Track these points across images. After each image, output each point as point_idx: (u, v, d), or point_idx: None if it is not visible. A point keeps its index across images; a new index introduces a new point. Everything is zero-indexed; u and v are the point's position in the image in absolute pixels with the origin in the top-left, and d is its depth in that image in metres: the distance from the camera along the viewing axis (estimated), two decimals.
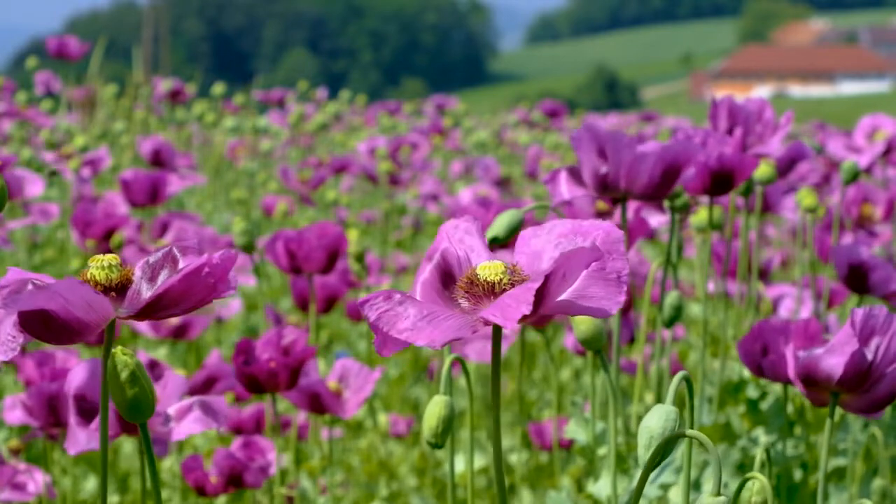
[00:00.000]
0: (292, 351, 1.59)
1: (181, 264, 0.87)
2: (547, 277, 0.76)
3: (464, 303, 0.80)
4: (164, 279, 0.86)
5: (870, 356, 1.10)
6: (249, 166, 4.59)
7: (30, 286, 0.84)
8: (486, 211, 2.34)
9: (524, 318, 0.76)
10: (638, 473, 1.45)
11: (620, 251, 0.79)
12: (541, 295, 0.76)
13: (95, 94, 5.29)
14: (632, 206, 1.63)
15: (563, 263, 0.76)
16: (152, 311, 0.85)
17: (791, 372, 1.17)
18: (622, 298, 0.78)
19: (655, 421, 0.85)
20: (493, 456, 0.81)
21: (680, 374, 0.90)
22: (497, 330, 0.80)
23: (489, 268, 0.79)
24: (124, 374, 0.85)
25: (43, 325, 0.82)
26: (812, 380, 1.13)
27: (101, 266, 0.85)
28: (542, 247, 0.82)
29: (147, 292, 0.86)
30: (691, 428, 1.02)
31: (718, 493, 0.84)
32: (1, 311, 0.82)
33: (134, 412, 0.86)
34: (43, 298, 0.80)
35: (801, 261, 2.10)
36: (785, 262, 3.34)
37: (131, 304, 0.86)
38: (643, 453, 0.84)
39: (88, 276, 0.85)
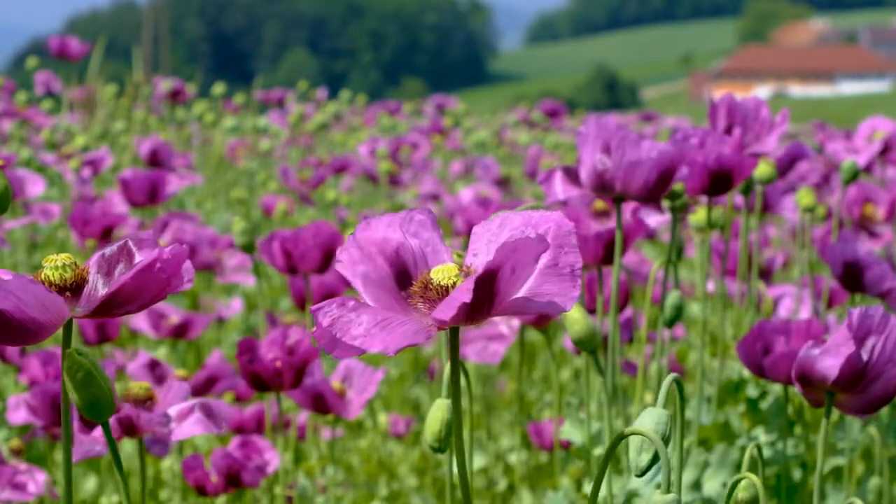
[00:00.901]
0: (297, 350, 1.59)
1: (137, 258, 0.86)
2: (494, 272, 0.74)
3: (420, 306, 0.79)
4: (119, 274, 0.85)
5: (865, 356, 1.10)
6: (249, 166, 4.59)
7: None
8: (486, 210, 2.34)
9: (473, 315, 0.75)
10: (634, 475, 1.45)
11: (572, 244, 0.77)
12: (490, 291, 0.75)
13: (95, 94, 5.29)
14: (629, 206, 1.63)
15: (508, 256, 0.74)
16: (108, 308, 0.84)
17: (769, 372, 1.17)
18: (576, 293, 0.76)
19: (647, 423, 0.84)
20: (458, 463, 0.81)
21: (671, 377, 0.89)
22: (453, 332, 0.79)
23: (443, 271, 0.78)
24: (80, 375, 0.84)
25: None
26: (808, 380, 1.13)
27: (54, 266, 0.85)
28: (493, 242, 0.80)
29: (102, 290, 0.85)
30: (683, 430, 1.02)
31: (668, 491, 0.84)
32: None
33: (93, 412, 0.85)
34: None
35: (800, 261, 2.10)
36: (785, 262, 3.34)
37: (87, 303, 0.85)
38: (635, 457, 0.84)
39: (42, 276, 0.85)
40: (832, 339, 1.10)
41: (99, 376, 0.85)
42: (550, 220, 0.78)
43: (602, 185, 1.29)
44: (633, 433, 0.83)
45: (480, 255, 0.80)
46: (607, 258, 1.53)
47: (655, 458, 0.84)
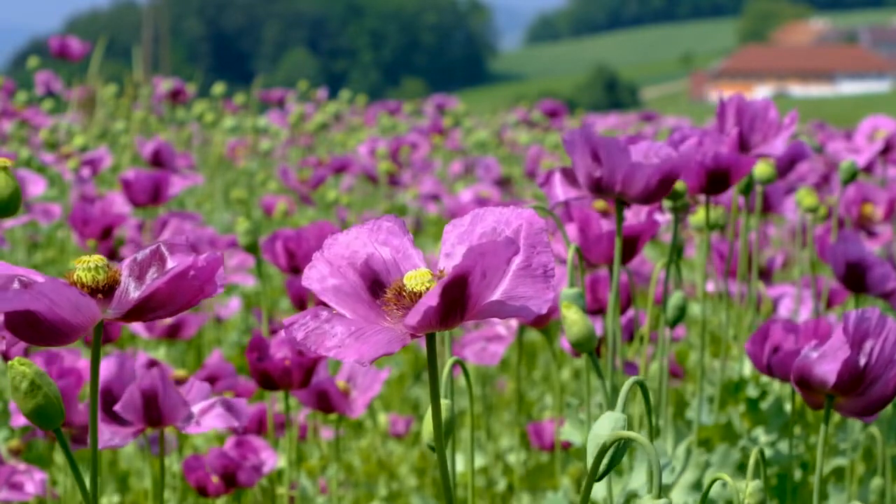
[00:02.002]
0: (306, 351, 1.59)
1: (169, 263, 0.86)
2: (464, 277, 0.72)
3: (394, 313, 0.77)
4: (151, 279, 0.85)
5: (863, 360, 1.09)
6: (249, 166, 4.59)
7: (16, 283, 0.83)
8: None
9: (445, 321, 0.73)
10: (634, 475, 1.45)
11: (544, 243, 0.75)
12: (462, 295, 0.73)
13: (95, 94, 5.29)
14: (644, 208, 1.62)
15: (477, 260, 0.72)
16: (140, 312, 0.84)
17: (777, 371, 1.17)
18: (550, 295, 0.74)
19: (604, 428, 0.83)
20: (440, 470, 0.80)
21: (631, 380, 0.88)
22: (430, 338, 0.77)
23: (415, 277, 0.76)
24: (24, 385, 0.84)
25: (30, 327, 0.81)
26: (807, 383, 1.12)
27: (87, 268, 0.84)
28: (467, 241, 0.79)
29: (134, 293, 0.85)
30: (651, 432, 1.02)
31: (659, 496, 0.83)
32: None
33: (42, 420, 0.85)
34: (28, 298, 0.79)
35: (800, 261, 2.10)
36: (785, 262, 3.34)
37: (119, 306, 0.85)
38: (591, 461, 0.83)
39: (74, 277, 0.84)
40: (829, 343, 1.10)
41: (45, 385, 0.84)
42: (522, 218, 0.77)
43: (600, 188, 1.29)
44: (619, 439, 0.82)
45: (452, 257, 0.79)
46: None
47: (612, 462, 0.82)
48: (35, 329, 0.82)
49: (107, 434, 1.25)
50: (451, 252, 0.79)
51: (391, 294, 0.78)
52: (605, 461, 0.82)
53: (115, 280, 0.85)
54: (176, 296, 0.84)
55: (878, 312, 1.09)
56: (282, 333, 1.61)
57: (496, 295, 0.75)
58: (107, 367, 1.30)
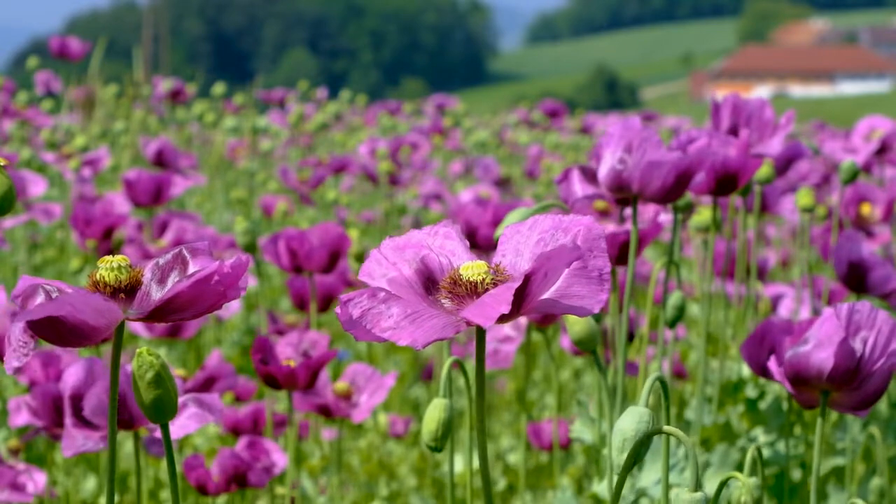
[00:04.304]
0: (313, 353, 1.60)
1: (191, 266, 0.86)
2: (528, 277, 0.75)
3: (447, 303, 0.79)
4: (173, 282, 0.86)
5: (858, 351, 1.09)
6: (249, 166, 4.59)
7: (41, 292, 0.84)
8: (483, 210, 2.35)
9: (504, 317, 0.75)
10: (644, 472, 1.45)
11: (602, 248, 0.78)
12: (522, 294, 0.76)
13: (94, 94, 5.30)
14: (650, 209, 1.62)
15: (543, 263, 0.75)
16: (162, 314, 0.84)
17: (776, 373, 1.16)
18: (605, 297, 0.77)
19: (628, 423, 0.85)
20: (480, 461, 0.81)
21: (654, 376, 0.90)
22: (480, 332, 0.79)
23: (472, 268, 0.78)
24: (149, 375, 0.85)
25: (53, 330, 0.82)
26: (802, 377, 1.12)
27: (110, 267, 0.85)
28: (524, 244, 0.81)
29: (157, 294, 0.85)
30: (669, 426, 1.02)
31: (696, 489, 0.84)
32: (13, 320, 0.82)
33: (157, 413, 0.85)
34: (52, 308, 0.80)
35: (800, 261, 2.11)
36: (785, 262, 3.34)
37: (141, 306, 0.85)
38: (616, 455, 0.84)
39: (97, 277, 0.85)
40: (822, 333, 1.10)
41: (167, 378, 0.85)
42: (581, 224, 0.79)
43: (619, 185, 1.30)
44: (656, 433, 0.83)
45: (509, 256, 0.81)
46: (620, 258, 1.53)
47: (634, 457, 0.84)
48: (58, 332, 0.82)
49: (79, 439, 1.24)
50: (506, 252, 0.82)
51: (446, 283, 0.80)
52: (625, 455, 0.84)
53: (138, 280, 0.86)
54: (199, 299, 0.84)
55: (868, 305, 1.09)
56: (287, 336, 1.61)
57: (549, 293, 0.78)
58: (74, 372, 1.29)
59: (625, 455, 0.84)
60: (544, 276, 0.76)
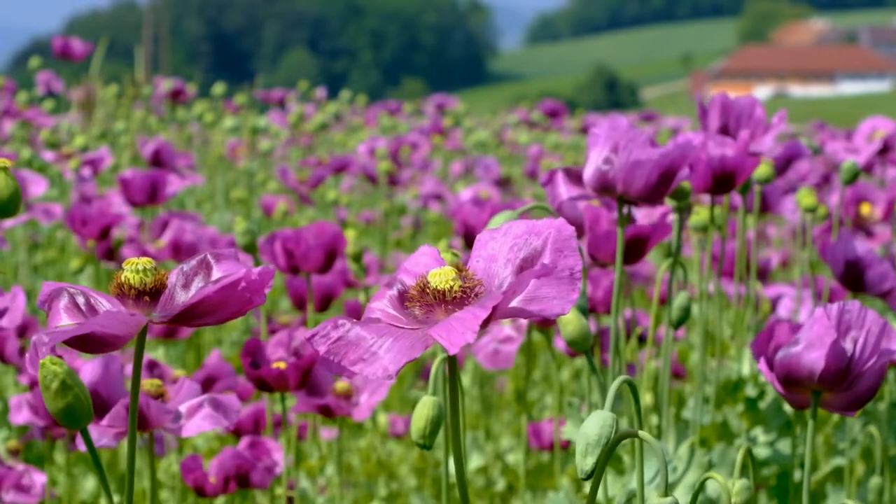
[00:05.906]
0: (303, 352, 1.59)
1: (215, 271, 0.86)
2: (495, 308, 0.74)
3: (417, 312, 0.78)
4: (197, 287, 0.85)
5: (849, 351, 1.09)
6: (249, 166, 4.59)
7: (65, 294, 0.84)
8: (481, 211, 2.35)
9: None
10: (636, 474, 1.45)
11: (572, 247, 0.76)
12: (489, 316, 0.74)
13: (94, 93, 5.30)
14: (659, 209, 1.62)
15: (516, 287, 0.74)
16: (186, 318, 0.84)
17: (767, 374, 1.16)
18: (575, 296, 0.75)
19: (592, 427, 0.83)
20: (456, 474, 0.81)
21: (620, 378, 0.88)
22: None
23: (439, 275, 0.76)
24: (55, 384, 0.84)
25: (78, 342, 0.82)
26: (793, 378, 1.12)
27: (135, 269, 0.84)
28: (497, 250, 0.80)
29: (181, 298, 0.85)
30: (640, 430, 1.02)
31: (666, 494, 0.83)
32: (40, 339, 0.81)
33: (71, 420, 0.85)
34: (81, 330, 0.80)
35: (801, 261, 2.11)
36: (785, 262, 3.34)
37: (165, 310, 0.85)
38: (580, 460, 0.83)
39: (122, 279, 0.84)
40: (812, 334, 1.10)
41: (75, 385, 0.84)
42: (552, 227, 0.78)
43: (604, 186, 1.29)
44: (625, 436, 0.82)
45: (482, 262, 0.80)
46: (628, 258, 1.53)
47: (605, 462, 0.83)
48: (85, 343, 0.82)
49: (94, 434, 1.24)
50: (480, 258, 0.80)
51: (415, 291, 0.78)
52: (593, 460, 0.83)
53: (163, 283, 0.85)
54: (225, 304, 0.84)
55: (858, 305, 1.09)
56: (277, 336, 1.61)
57: (517, 300, 0.76)
58: (91, 368, 1.29)
59: (589, 460, 0.83)
60: (513, 293, 0.75)
